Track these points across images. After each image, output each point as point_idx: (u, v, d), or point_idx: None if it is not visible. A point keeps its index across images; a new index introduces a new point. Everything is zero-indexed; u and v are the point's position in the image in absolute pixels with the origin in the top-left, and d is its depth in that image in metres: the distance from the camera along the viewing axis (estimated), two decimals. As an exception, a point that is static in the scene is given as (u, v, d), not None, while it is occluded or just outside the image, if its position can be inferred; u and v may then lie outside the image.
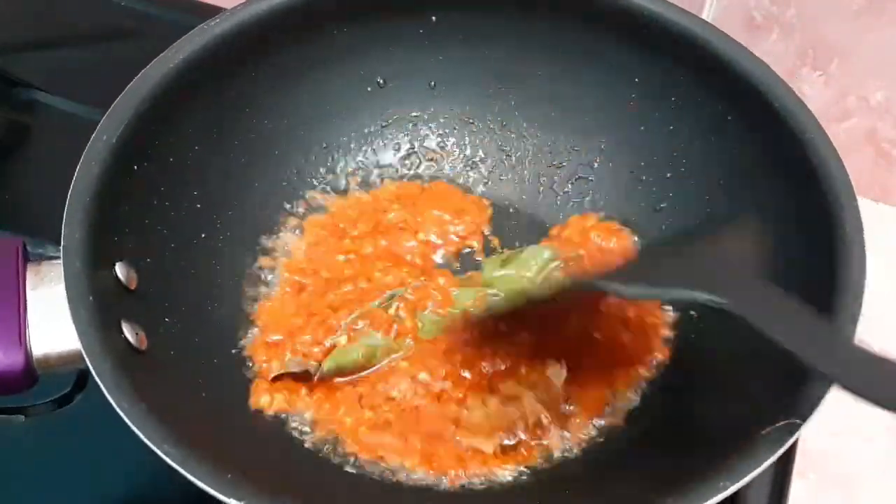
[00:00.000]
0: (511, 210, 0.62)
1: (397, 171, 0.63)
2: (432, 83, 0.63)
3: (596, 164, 0.62)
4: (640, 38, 0.56)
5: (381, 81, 0.62)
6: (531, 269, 0.58)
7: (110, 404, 0.41)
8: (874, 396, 0.36)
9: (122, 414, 0.41)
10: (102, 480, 0.55)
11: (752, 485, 0.52)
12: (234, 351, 0.54)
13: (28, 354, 0.44)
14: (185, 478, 0.40)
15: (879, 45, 0.61)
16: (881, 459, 0.57)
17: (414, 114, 0.63)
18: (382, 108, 0.63)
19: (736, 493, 0.40)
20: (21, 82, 0.71)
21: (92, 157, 0.48)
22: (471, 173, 0.63)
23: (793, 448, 0.55)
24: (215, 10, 0.56)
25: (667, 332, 0.55)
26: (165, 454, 0.40)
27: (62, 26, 0.77)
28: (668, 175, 0.59)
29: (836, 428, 0.57)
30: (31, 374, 0.44)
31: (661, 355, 0.54)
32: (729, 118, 0.55)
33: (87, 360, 0.42)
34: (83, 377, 0.56)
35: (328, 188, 0.62)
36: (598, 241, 0.59)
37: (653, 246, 0.56)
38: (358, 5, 0.58)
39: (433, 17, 0.60)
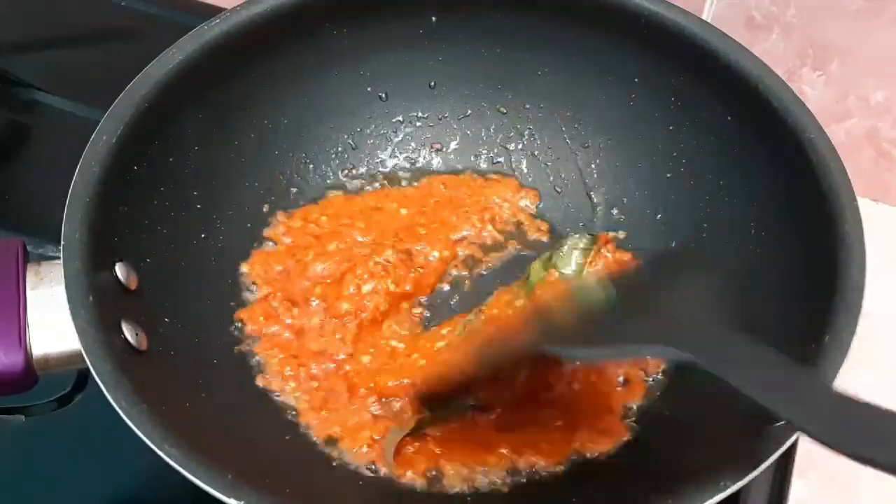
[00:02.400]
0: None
1: (397, 170, 0.63)
2: (432, 83, 0.63)
3: (595, 164, 0.62)
4: (640, 38, 0.56)
5: (381, 84, 0.62)
6: (571, 264, 0.57)
7: (110, 404, 0.41)
8: (851, 450, 0.34)
9: (122, 414, 0.41)
10: (102, 480, 0.55)
11: (752, 484, 0.52)
12: (234, 350, 0.54)
13: (28, 355, 0.44)
14: (184, 478, 0.40)
15: (879, 45, 0.61)
16: (881, 459, 0.57)
17: (413, 114, 0.63)
18: (382, 109, 0.63)
19: (736, 493, 0.40)
20: (21, 82, 0.71)
21: (92, 157, 0.48)
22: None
23: (793, 448, 0.55)
24: (215, 10, 0.56)
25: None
26: (166, 454, 0.40)
27: (62, 26, 0.77)
28: (668, 175, 0.59)
29: (836, 428, 0.57)
30: (31, 374, 0.44)
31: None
32: (729, 118, 0.55)
33: (87, 360, 0.42)
34: (83, 377, 0.56)
35: (328, 188, 0.62)
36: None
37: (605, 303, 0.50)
38: (357, 6, 0.58)
39: (433, 18, 0.60)
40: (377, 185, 0.62)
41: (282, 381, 0.53)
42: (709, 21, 0.57)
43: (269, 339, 0.54)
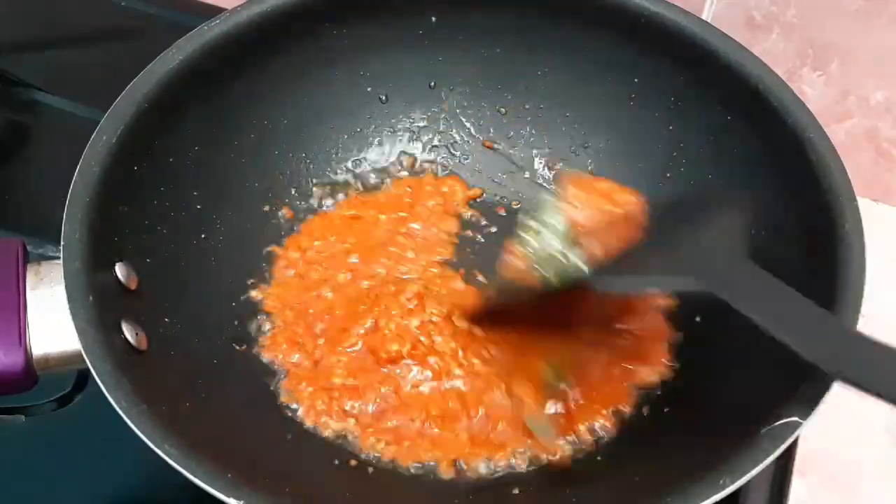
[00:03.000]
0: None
1: (396, 170, 0.63)
2: (432, 83, 0.62)
3: (594, 165, 0.62)
4: (640, 38, 0.56)
5: (382, 85, 0.62)
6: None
7: (110, 404, 0.41)
8: (874, 388, 0.36)
9: (121, 413, 0.41)
10: (103, 480, 0.55)
11: (752, 484, 0.52)
12: (234, 350, 0.54)
13: (28, 355, 0.44)
14: (184, 478, 0.40)
15: (879, 45, 0.61)
16: (881, 459, 0.57)
17: (413, 114, 0.63)
18: (382, 109, 0.63)
19: (736, 493, 0.40)
20: (21, 82, 0.71)
21: (92, 157, 0.48)
22: (469, 174, 0.64)
23: (793, 448, 0.55)
24: (215, 11, 0.56)
25: (669, 338, 0.55)
26: (166, 454, 0.40)
27: (62, 26, 0.77)
28: (668, 175, 0.58)
29: (836, 428, 0.57)
30: (30, 374, 0.44)
31: (663, 359, 0.54)
32: (729, 118, 0.55)
33: (86, 359, 0.42)
34: (83, 377, 0.56)
35: (328, 188, 0.62)
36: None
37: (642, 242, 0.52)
38: (357, 6, 0.58)
39: (433, 18, 0.60)
40: (376, 183, 0.62)
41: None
42: (709, 21, 0.57)
43: (295, 374, 0.54)
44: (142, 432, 0.40)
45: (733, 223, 0.45)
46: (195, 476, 0.40)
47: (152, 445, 0.40)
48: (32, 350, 0.44)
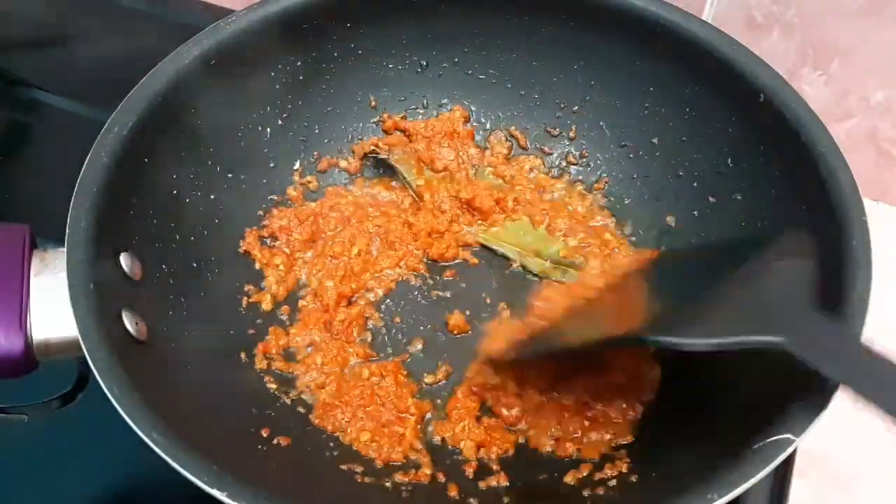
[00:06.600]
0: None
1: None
2: (449, 85, 0.63)
3: (602, 173, 0.62)
4: (655, 48, 0.56)
5: (391, 85, 0.62)
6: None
7: (112, 402, 0.41)
8: None
9: (113, 400, 0.41)
10: (105, 478, 0.55)
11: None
12: (236, 348, 0.54)
13: (28, 339, 0.44)
14: (186, 477, 0.39)
15: (880, 45, 0.61)
16: (881, 459, 0.57)
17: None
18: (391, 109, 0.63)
19: (736, 492, 0.40)
20: (21, 82, 0.71)
21: (102, 148, 0.48)
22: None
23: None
24: (215, 10, 0.56)
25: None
26: (153, 442, 0.40)
27: (62, 26, 0.77)
28: (678, 184, 0.58)
29: (836, 428, 0.57)
30: (30, 358, 0.44)
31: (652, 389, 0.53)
32: (742, 130, 0.54)
33: (82, 345, 0.42)
34: (84, 376, 0.56)
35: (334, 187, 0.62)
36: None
37: (701, 291, 0.47)
38: (363, 7, 0.58)
39: (452, 18, 0.60)
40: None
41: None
42: (709, 21, 0.56)
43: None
44: (131, 420, 0.40)
45: (801, 271, 0.43)
46: (180, 465, 0.39)
47: (141, 433, 0.40)
48: (33, 335, 0.44)
